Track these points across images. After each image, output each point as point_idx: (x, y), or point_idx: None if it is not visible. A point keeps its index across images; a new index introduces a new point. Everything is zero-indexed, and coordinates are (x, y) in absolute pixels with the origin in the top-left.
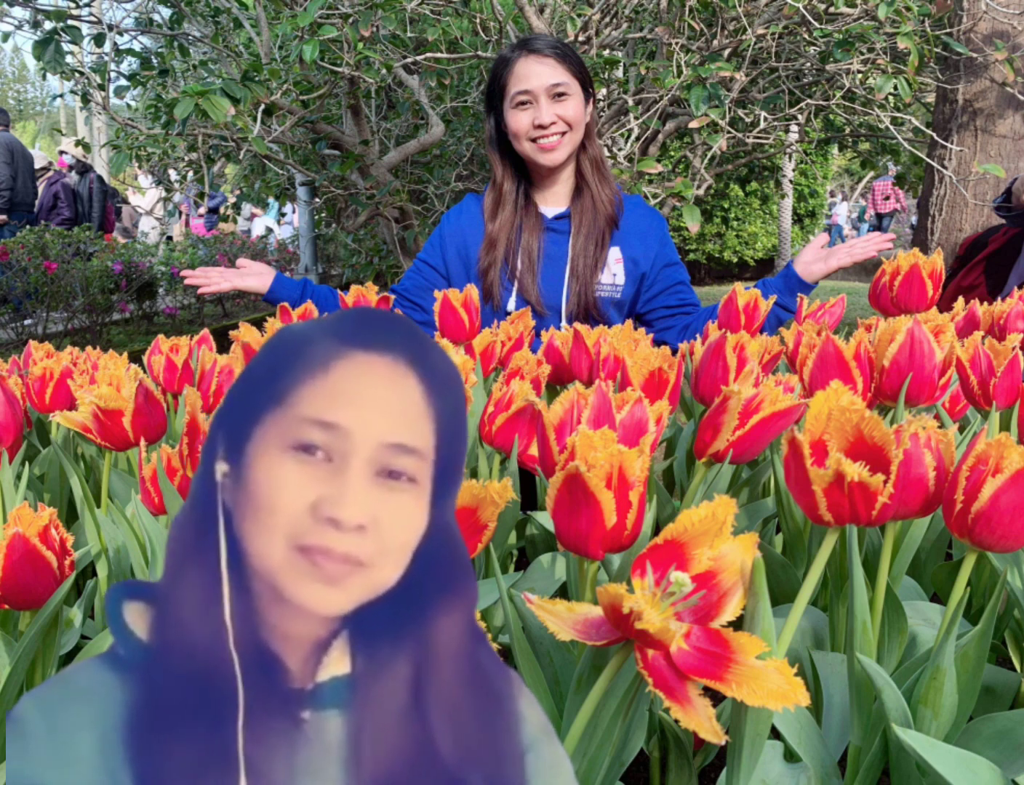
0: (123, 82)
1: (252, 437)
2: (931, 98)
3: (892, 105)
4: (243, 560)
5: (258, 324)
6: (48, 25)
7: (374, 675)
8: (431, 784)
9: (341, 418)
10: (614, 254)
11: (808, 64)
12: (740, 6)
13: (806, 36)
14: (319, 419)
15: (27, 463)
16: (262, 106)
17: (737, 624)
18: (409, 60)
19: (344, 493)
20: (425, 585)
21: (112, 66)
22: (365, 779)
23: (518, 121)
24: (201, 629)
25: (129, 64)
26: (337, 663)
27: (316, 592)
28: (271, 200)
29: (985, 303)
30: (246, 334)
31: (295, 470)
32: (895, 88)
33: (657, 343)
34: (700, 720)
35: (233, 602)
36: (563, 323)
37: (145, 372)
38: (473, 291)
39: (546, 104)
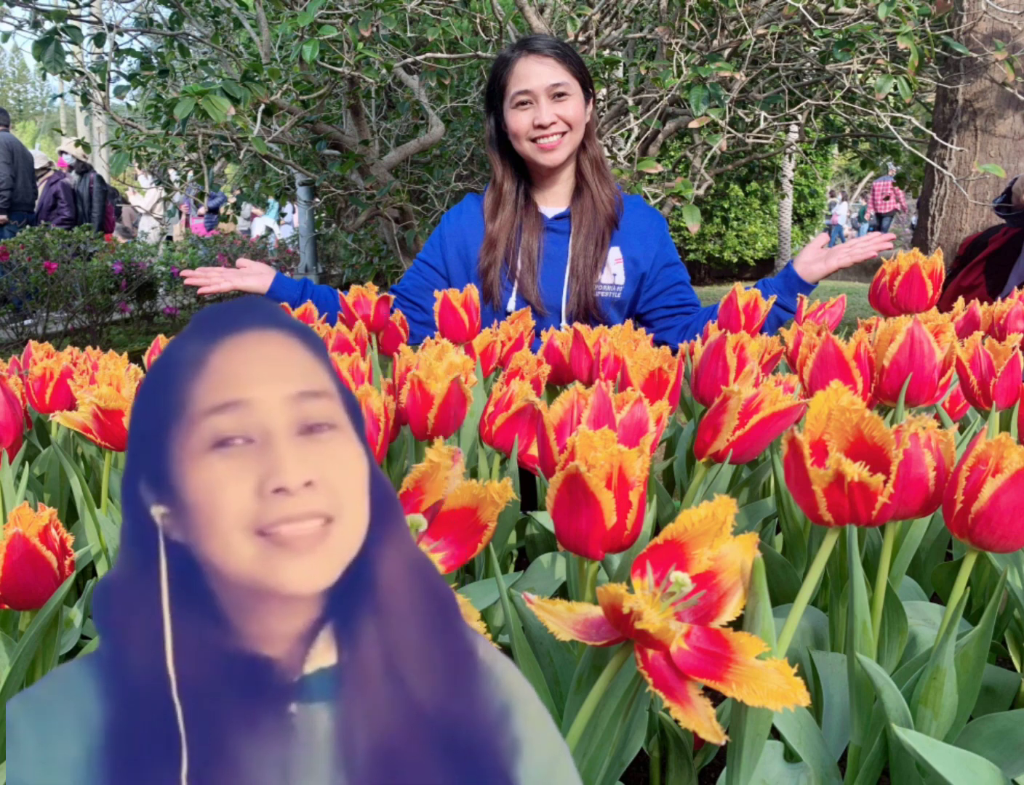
0: (123, 82)
1: (171, 462)
2: (931, 98)
3: (892, 105)
4: (208, 582)
5: None
6: (48, 25)
7: (356, 656)
8: (423, 751)
9: (238, 393)
10: (614, 254)
11: (808, 64)
12: (740, 6)
13: (806, 36)
14: (219, 404)
15: (27, 463)
16: (262, 106)
17: (737, 624)
18: (409, 60)
19: (278, 461)
20: (373, 535)
21: (112, 66)
22: (360, 766)
23: (518, 121)
24: (149, 678)
25: (129, 64)
26: (323, 655)
27: (295, 568)
28: (271, 200)
29: (985, 303)
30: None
31: (223, 466)
32: (895, 88)
33: (657, 343)
34: (700, 720)
35: (185, 641)
36: (563, 323)
37: (145, 372)
38: (473, 291)
39: (546, 104)
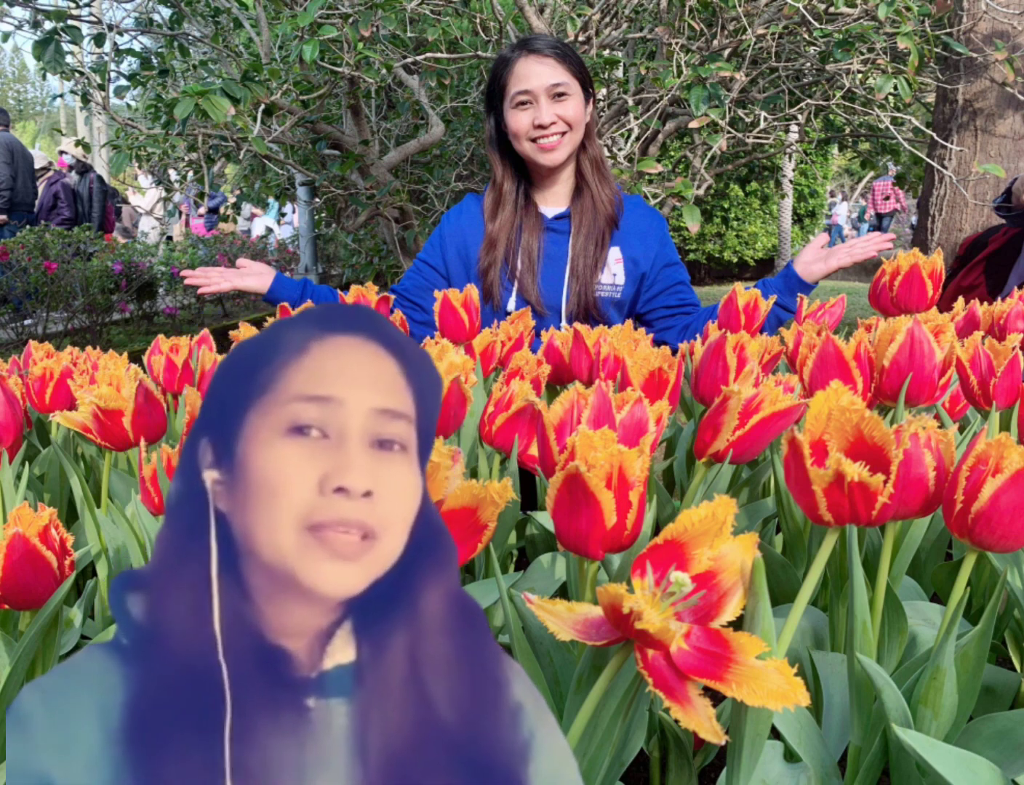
0: (123, 82)
1: (242, 433)
2: (931, 98)
3: (892, 105)
4: (242, 561)
5: (258, 324)
6: (48, 25)
7: (378, 660)
8: (437, 756)
9: (330, 390)
10: (614, 254)
11: (808, 64)
12: (740, 6)
13: (806, 36)
14: (309, 395)
15: (27, 463)
16: (262, 106)
17: (737, 624)
18: (409, 60)
19: (347, 462)
20: (415, 559)
21: (112, 66)
22: (374, 765)
23: (518, 121)
24: (190, 639)
25: (129, 64)
26: (342, 651)
27: (332, 571)
28: (271, 200)
29: (985, 303)
30: (246, 334)
31: (294, 452)
32: (895, 88)
33: (657, 343)
34: (700, 720)
35: (225, 609)
36: (563, 323)
37: (145, 372)
38: (473, 291)
39: (546, 104)
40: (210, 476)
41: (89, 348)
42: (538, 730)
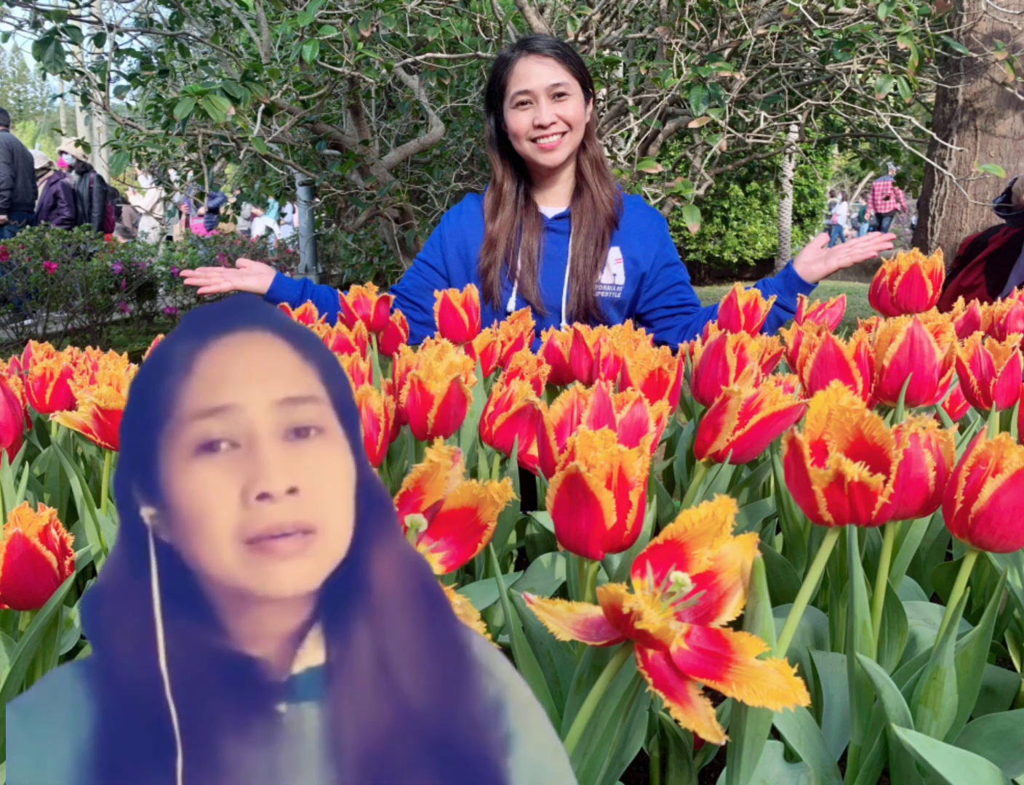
0: (123, 82)
1: (159, 464)
2: (931, 98)
3: (892, 105)
4: (197, 583)
5: None
6: (48, 25)
7: (346, 656)
8: (412, 749)
9: (226, 397)
10: (614, 254)
11: (808, 64)
12: (740, 6)
13: (806, 36)
14: (206, 408)
15: (27, 463)
16: (262, 106)
17: (737, 624)
18: (409, 60)
19: (262, 466)
20: (364, 537)
21: (112, 66)
22: (349, 764)
23: (518, 121)
24: (140, 675)
25: (129, 64)
26: (312, 654)
27: (281, 576)
28: (271, 200)
29: (985, 303)
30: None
31: (208, 472)
32: (895, 88)
33: (657, 343)
34: (700, 720)
35: (175, 639)
36: (563, 323)
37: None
38: (473, 291)
39: (546, 104)
40: (147, 513)
41: (89, 348)
42: (520, 719)
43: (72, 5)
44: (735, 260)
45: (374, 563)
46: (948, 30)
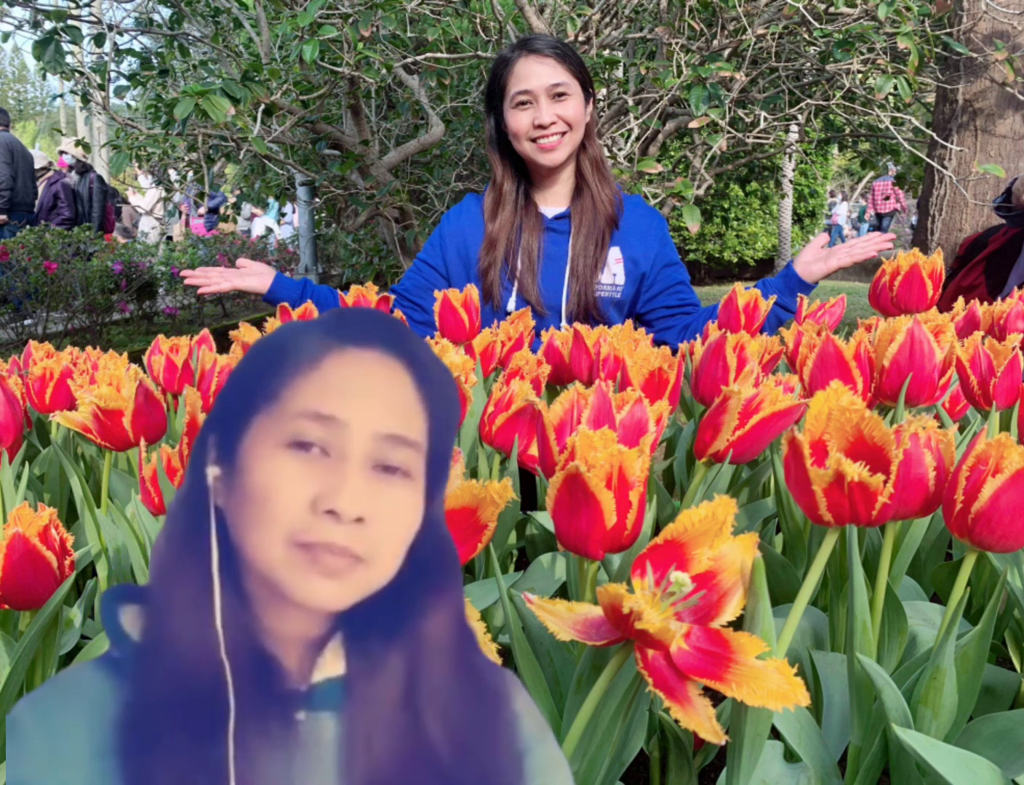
0: (123, 82)
1: (246, 437)
2: (931, 98)
3: (892, 105)
4: (237, 562)
5: (258, 324)
6: (48, 25)
7: (368, 676)
8: (426, 783)
9: (337, 410)
10: (614, 254)
11: (808, 64)
12: (740, 6)
13: (806, 36)
14: (314, 412)
15: (27, 463)
16: (262, 106)
17: (737, 624)
18: (409, 60)
19: (342, 485)
20: (416, 583)
21: (112, 66)
22: (359, 781)
23: (518, 121)
24: (191, 637)
25: (129, 64)
26: (331, 664)
27: (317, 587)
28: (271, 200)
29: (985, 303)
30: (246, 334)
31: (292, 467)
32: (895, 88)
33: (657, 343)
34: (700, 720)
35: (225, 607)
36: (563, 323)
37: (145, 372)
38: (473, 291)
39: (546, 104)
40: (212, 472)
41: (89, 348)
42: (544, 776)
43: (72, 5)
44: (735, 260)
45: (424, 606)
46: (948, 30)
